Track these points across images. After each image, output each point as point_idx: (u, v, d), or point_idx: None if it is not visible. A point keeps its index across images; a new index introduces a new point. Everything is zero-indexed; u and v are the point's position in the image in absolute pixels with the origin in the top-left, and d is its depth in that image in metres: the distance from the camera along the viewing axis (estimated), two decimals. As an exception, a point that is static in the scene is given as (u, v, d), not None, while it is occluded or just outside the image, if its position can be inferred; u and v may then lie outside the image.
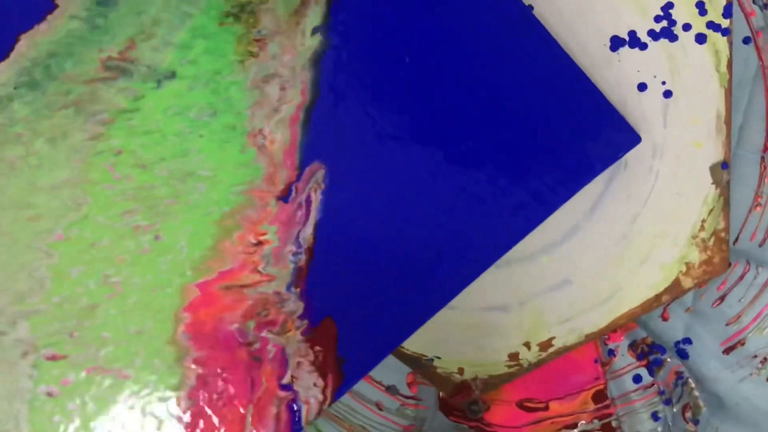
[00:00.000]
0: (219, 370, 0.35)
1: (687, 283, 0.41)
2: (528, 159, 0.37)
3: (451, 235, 0.37)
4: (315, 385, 0.36)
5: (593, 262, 0.42)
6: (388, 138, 0.37)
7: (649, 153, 0.41)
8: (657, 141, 0.41)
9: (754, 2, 0.42)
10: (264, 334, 0.36)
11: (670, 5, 0.39)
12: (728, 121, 0.40)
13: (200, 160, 0.36)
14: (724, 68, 0.40)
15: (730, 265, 0.42)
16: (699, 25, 0.40)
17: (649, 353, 0.44)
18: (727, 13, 0.40)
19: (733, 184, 0.42)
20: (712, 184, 0.41)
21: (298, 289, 0.36)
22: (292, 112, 0.37)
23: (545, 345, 0.42)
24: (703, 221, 0.41)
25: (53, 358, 0.35)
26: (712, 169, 0.41)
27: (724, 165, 0.41)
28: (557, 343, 0.42)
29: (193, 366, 0.35)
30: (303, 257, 0.36)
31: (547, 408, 0.43)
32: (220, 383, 0.35)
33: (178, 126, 0.36)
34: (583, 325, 0.42)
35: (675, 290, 0.42)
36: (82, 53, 0.36)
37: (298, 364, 0.36)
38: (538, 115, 0.37)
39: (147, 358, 0.35)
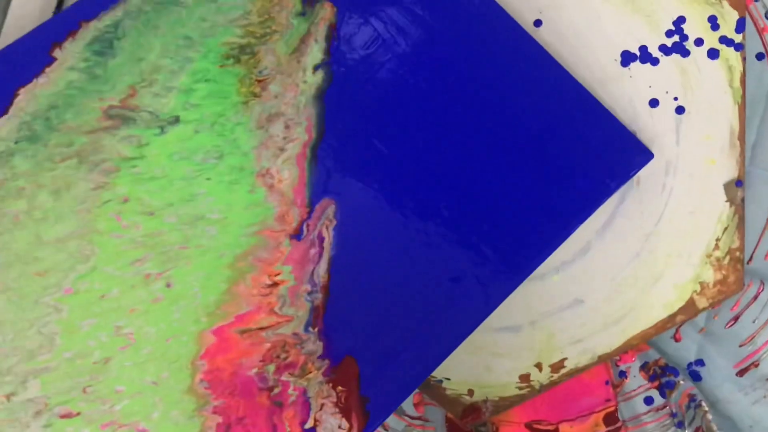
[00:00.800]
0: (240, 418, 0.38)
1: (701, 302, 0.43)
2: (542, 183, 0.40)
3: (469, 265, 0.39)
4: (340, 427, 0.37)
5: (605, 281, 0.44)
6: (397, 171, 0.40)
7: (661, 170, 0.43)
8: (670, 158, 0.43)
9: (766, 17, 0.44)
10: (284, 377, 0.38)
11: (681, 20, 0.42)
12: (742, 137, 0.42)
13: (209, 203, 0.39)
14: (737, 83, 0.43)
15: (744, 285, 0.43)
16: (711, 40, 0.42)
17: (662, 375, 0.45)
18: (740, 27, 0.42)
19: (746, 203, 0.44)
20: (727, 201, 0.43)
21: (316, 329, 0.39)
22: (299, 150, 0.39)
23: (557, 366, 0.44)
24: (718, 240, 0.43)
25: (67, 415, 0.37)
26: (727, 186, 0.43)
27: (739, 182, 0.43)
28: (569, 364, 0.44)
29: (213, 415, 0.38)
30: (319, 296, 0.39)
31: (557, 430, 0.45)
32: (241, 431, 0.38)
33: (185, 170, 0.39)
34: (596, 346, 0.44)
35: (689, 310, 0.43)
36: (82, 104, 0.39)
37: (321, 406, 0.38)
38: (550, 140, 0.40)
39: (165, 410, 0.37)
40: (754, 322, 0.44)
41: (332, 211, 0.39)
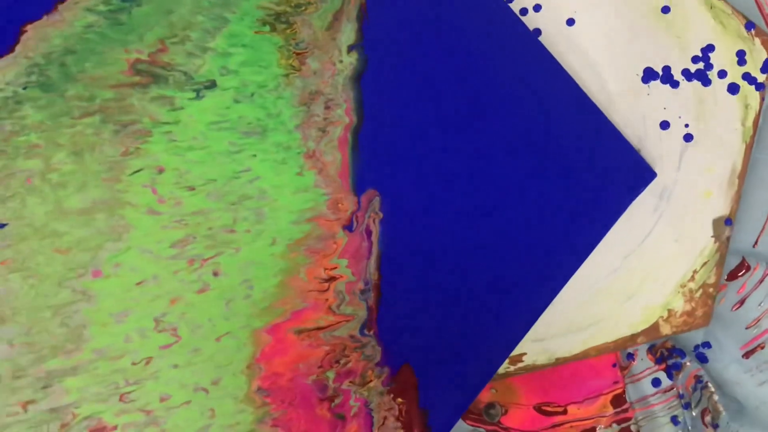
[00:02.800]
0: None
1: (665, 329, 0.52)
2: (556, 206, 0.49)
3: (514, 268, 0.47)
4: (401, 444, 0.41)
5: (579, 289, 0.51)
6: (439, 164, 0.46)
7: (657, 192, 0.51)
8: (667, 183, 0.51)
9: None
10: (345, 386, 0.43)
11: (710, 48, 0.50)
12: (742, 177, 0.50)
13: (256, 182, 0.43)
14: (750, 123, 0.51)
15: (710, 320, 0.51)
16: (735, 74, 0.50)
17: (669, 357, 0.54)
18: (766, 68, 0.50)
19: (753, 187, 0.52)
20: (712, 237, 0.51)
21: (371, 332, 0.43)
22: (340, 134, 0.45)
23: (515, 359, 0.51)
24: (695, 272, 0.52)
25: (99, 430, 0.38)
26: (716, 222, 0.51)
27: (728, 221, 0.51)
28: (527, 360, 0.51)
29: (273, 428, 0.41)
30: (371, 295, 0.43)
31: (565, 412, 0.53)
32: None
33: (226, 143, 0.42)
34: (556, 349, 0.52)
35: (652, 334, 0.52)
36: (104, 53, 0.41)
37: (384, 420, 0.42)
38: (559, 155, 0.49)
39: (219, 422, 0.39)
40: (759, 305, 0.52)
41: (378, 203, 0.45)
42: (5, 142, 0.37)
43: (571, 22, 0.53)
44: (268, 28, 0.44)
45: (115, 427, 0.36)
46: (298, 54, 0.45)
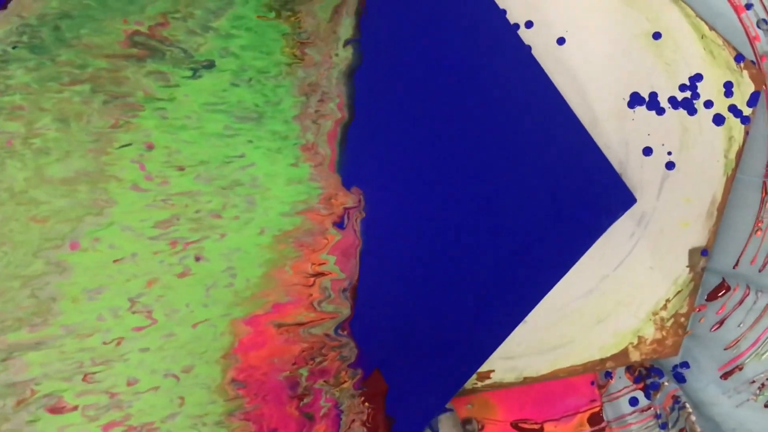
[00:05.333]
0: (272, 429, 0.38)
1: (634, 355, 0.50)
2: (538, 223, 0.46)
3: (490, 282, 0.44)
4: (365, 451, 0.41)
5: (552, 309, 0.50)
6: (423, 169, 0.44)
7: (635, 219, 0.50)
8: (646, 209, 0.50)
9: (758, 26, 0.50)
10: (317, 385, 0.40)
11: (698, 77, 0.49)
12: (721, 209, 0.49)
13: (249, 169, 0.40)
14: (732, 155, 0.49)
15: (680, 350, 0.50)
16: (721, 105, 0.49)
17: (647, 376, 0.52)
18: (753, 101, 0.49)
19: (734, 208, 0.50)
20: (687, 266, 0.50)
21: (345, 332, 0.40)
22: (331, 128, 0.42)
23: (483, 376, 0.49)
24: (668, 301, 0.50)
25: (59, 409, 0.34)
26: (692, 252, 0.50)
27: (704, 252, 0.49)
28: (495, 377, 0.49)
29: (245, 422, 0.37)
30: (349, 294, 0.42)
31: (542, 429, 0.52)
32: None
33: (220, 126, 0.39)
34: (524, 368, 0.50)
35: (621, 359, 0.50)
36: (102, 21, 0.38)
37: (351, 423, 0.41)
38: (547, 177, 0.46)
39: (187, 411, 0.36)
40: (739, 326, 0.51)
41: (362, 201, 0.42)
42: (-12, 101, 0.34)
43: (561, 41, 0.51)
44: (273, 14, 0.41)
45: (75, 408, 0.33)
46: (302, 43, 0.42)
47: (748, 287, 0.51)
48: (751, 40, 0.52)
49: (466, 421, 0.50)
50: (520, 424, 0.52)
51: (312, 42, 0.42)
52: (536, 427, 0.52)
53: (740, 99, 0.50)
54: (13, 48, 0.35)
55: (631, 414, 0.54)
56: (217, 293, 0.37)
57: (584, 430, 0.53)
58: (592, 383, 0.53)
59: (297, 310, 0.39)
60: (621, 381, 0.54)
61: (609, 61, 0.51)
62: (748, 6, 0.51)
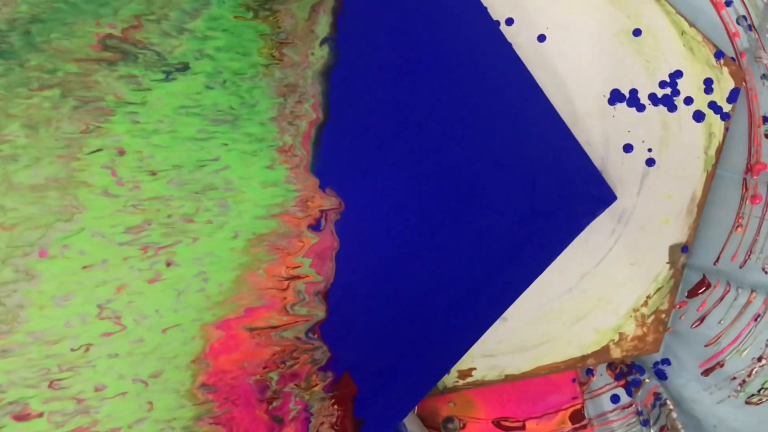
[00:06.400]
0: None
1: (615, 352, 0.50)
2: (518, 220, 0.45)
3: (464, 281, 0.43)
4: (334, 453, 0.40)
5: (533, 306, 0.50)
6: (396, 171, 0.43)
7: (615, 216, 0.49)
8: (627, 206, 0.49)
9: (738, 23, 0.50)
10: (287, 388, 0.39)
11: (678, 74, 0.48)
12: (701, 205, 0.49)
13: (223, 173, 0.39)
14: (713, 152, 0.49)
15: (661, 347, 0.50)
16: (701, 102, 0.49)
17: (628, 373, 0.52)
18: (732, 98, 0.48)
19: (714, 205, 0.50)
20: (668, 263, 0.50)
21: (315, 335, 0.39)
22: (305, 129, 0.41)
23: (464, 374, 0.49)
24: (648, 297, 0.50)
25: (24, 417, 0.33)
26: (672, 249, 0.50)
27: (685, 248, 0.49)
28: (476, 375, 0.50)
29: (215, 426, 0.37)
30: (322, 297, 0.41)
31: (523, 427, 0.51)
32: None
33: (194, 129, 0.37)
34: (506, 365, 0.50)
35: (602, 356, 0.50)
36: (74, 24, 0.37)
37: (320, 426, 0.40)
38: (523, 169, 0.46)
39: (155, 416, 0.36)
40: (719, 322, 0.51)
41: (337, 202, 0.41)
42: (-46, 108, 0.33)
43: (542, 38, 0.50)
44: (251, 14, 0.40)
45: (41, 414, 0.32)
46: (280, 44, 0.41)
47: (728, 284, 0.51)
48: (731, 37, 0.51)
49: (447, 420, 0.50)
50: (502, 422, 0.52)
51: (290, 42, 0.41)
52: (518, 425, 0.52)
53: (720, 95, 0.50)
54: (-18, 53, 0.34)
55: (612, 411, 0.53)
56: (188, 298, 0.36)
57: (566, 428, 0.52)
58: (574, 381, 0.52)
59: (270, 314, 0.38)
60: (602, 378, 0.54)
61: (589, 58, 0.50)
62: (728, 3, 0.50)
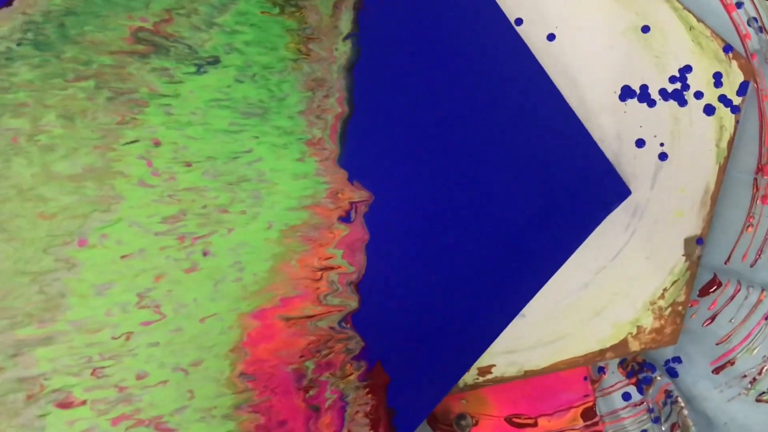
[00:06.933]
0: (281, 421, 0.37)
1: (634, 345, 0.50)
2: (535, 216, 0.46)
3: (486, 274, 0.44)
4: (369, 442, 0.40)
5: (550, 302, 0.49)
6: (422, 164, 0.43)
7: (630, 210, 0.49)
8: (640, 201, 0.49)
9: (749, 24, 0.50)
10: (323, 377, 0.39)
11: (688, 69, 0.49)
12: (715, 198, 0.49)
13: (256, 165, 0.39)
14: (724, 144, 0.49)
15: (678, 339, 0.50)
16: (711, 96, 0.49)
17: (639, 371, 0.52)
18: (742, 91, 0.49)
19: (726, 205, 0.51)
20: (683, 255, 0.50)
21: (348, 325, 0.40)
22: (332, 122, 0.41)
23: (484, 371, 0.49)
24: (665, 290, 0.50)
25: (67, 404, 0.33)
26: (687, 241, 0.50)
27: (699, 240, 0.49)
28: (496, 372, 0.49)
29: (254, 414, 0.37)
30: (355, 288, 0.40)
31: (535, 424, 0.51)
32: None
33: (226, 122, 0.38)
34: (525, 361, 0.50)
35: (620, 349, 0.50)
36: (107, 17, 0.37)
37: (355, 414, 0.40)
38: (538, 166, 0.46)
39: (196, 405, 0.36)
40: (730, 321, 0.51)
41: (365, 195, 0.42)
42: (-7, 98, 0.33)
43: (551, 37, 0.50)
44: (277, 9, 0.41)
45: (84, 402, 0.32)
46: (307, 39, 0.41)
47: (739, 283, 0.51)
48: (742, 39, 0.52)
49: (460, 417, 0.50)
50: (513, 419, 0.52)
51: (316, 37, 0.42)
52: (530, 421, 0.52)
53: (730, 89, 0.50)
54: (18, 45, 0.34)
55: (623, 408, 0.53)
56: (225, 288, 0.36)
57: (577, 425, 0.52)
58: (585, 378, 0.52)
59: (304, 304, 0.38)
60: (614, 376, 0.54)
61: (599, 56, 0.50)
62: (739, 4, 0.51)
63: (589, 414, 0.53)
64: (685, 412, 0.51)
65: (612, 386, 0.54)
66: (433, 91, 0.44)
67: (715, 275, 0.53)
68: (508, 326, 0.47)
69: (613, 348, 0.52)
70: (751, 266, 0.51)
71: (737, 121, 0.50)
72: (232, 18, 0.39)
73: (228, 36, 0.39)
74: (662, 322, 0.52)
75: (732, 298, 0.52)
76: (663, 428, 0.52)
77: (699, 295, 0.53)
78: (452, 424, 0.51)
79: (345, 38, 0.42)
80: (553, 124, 0.47)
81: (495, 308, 0.44)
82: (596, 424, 0.53)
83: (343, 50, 0.42)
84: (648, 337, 0.52)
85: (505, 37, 0.47)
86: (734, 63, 0.51)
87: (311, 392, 0.37)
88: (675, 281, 0.52)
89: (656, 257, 0.52)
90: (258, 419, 0.35)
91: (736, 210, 0.52)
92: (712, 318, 0.52)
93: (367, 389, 0.38)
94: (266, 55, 0.40)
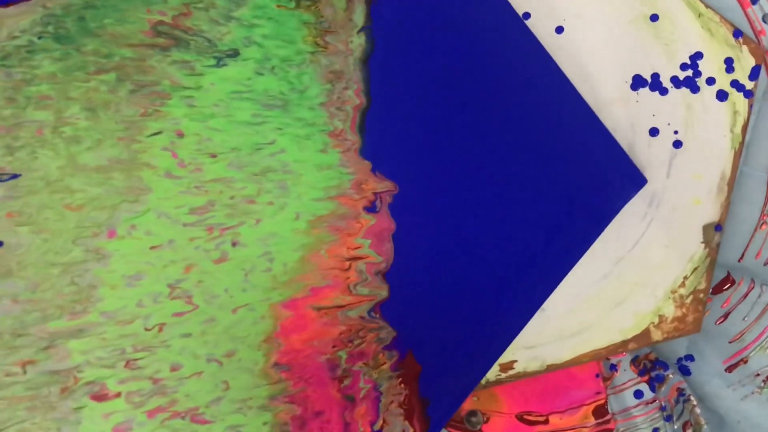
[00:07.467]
0: (317, 412, 0.36)
1: (656, 335, 0.50)
2: (553, 208, 0.46)
3: (509, 265, 0.43)
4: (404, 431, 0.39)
5: (570, 295, 0.49)
6: (440, 155, 0.43)
7: (646, 199, 0.49)
8: (657, 189, 0.49)
9: (764, 20, 0.50)
10: (356, 367, 0.39)
11: (698, 55, 0.48)
12: (731, 183, 0.49)
13: (279, 156, 0.39)
14: (738, 130, 0.49)
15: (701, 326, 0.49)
16: (723, 81, 0.49)
17: (652, 369, 0.52)
18: (754, 75, 0.48)
19: (739, 202, 0.50)
20: (702, 243, 0.49)
21: (377, 315, 0.39)
22: (352, 114, 0.41)
23: (506, 366, 0.48)
24: (685, 278, 0.49)
25: (101, 397, 0.32)
26: (706, 228, 0.49)
27: (718, 227, 0.49)
28: (518, 367, 0.49)
29: (290, 405, 0.36)
30: (384, 277, 0.40)
31: (547, 422, 0.50)
32: (316, 430, 0.36)
33: (248, 114, 0.37)
34: (547, 355, 0.49)
35: (643, 339, 0.49)
36: (126, 10, 0.36)
37: (390, 404, 0.39)
38: (553, 157, 0.46)
39: (231, 396, 0.35)
40: (743, 319, 0.50)
41: (388, 185, 0.41)
42: (15, 91, 0.33)
43: (560, 30, 0.50)
44: (293, 3, 0.40)
45: (119, 395, 0.31)
46: (324, 32, 0.41)
47: (752, 281, 0.51)
48: (757, 35, 0.51)
49: (471, 414, 0.49)
50: (525, 416, 0.51)
51: (333, 30, 0.41)
52: (541, 419, 0.51)
53: (741, 74, 0.50)
54: (39, 38, 0.34)
55: (636, 406, 0.53)
56: (255, 278, 0.35)
57: (589, 423, 0.52)
58: (597, 376, 0.52)
59: (334, 293, 0.37)
60: (626, 374, 0.53)
61: (609, 46, 0.50)
62: (754, 1, 0.51)
63: (600, 412, 0.52)
64: (698, 410, 0.51)
65: (624, 384, 0.53)
66: (446, 83, 0.44)
67: (728, 273, 0.52)
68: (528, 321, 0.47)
69: (635, 338, 0.51)
70: (765, 264, 0.51)
71: (751, 105, 0.50)
72: (249, 12, 0.39)
73: (246, 29, 0.39)
74: (684, 310, 0.51)
75: (745, 296, 0.51)
76: (675, 426, 0.52)
77: (712, 293, 0.52)
78: (463, 421, 0.50)
79: (359, 31, 0.42)
80: (567, 115, 0.47)
81: (520, 298, 0.44)
82: (608, 422, 0.52)
83: (358, 42, 0.42)
84: (670, 326, 0.51)
85: (515, 30, 0.47)
86: (745, 48, 0.50)
87: (345, 382, 0.36)
88: (695, 269, 0.51)
89: (675, 245, 0.51)
90: (294, 410, 0.34)
91: (750, 207, 0.52)
92: (726, 316, 0.52)
93: (400, 379, 0.37)
94: (284, 48, 0.39)
